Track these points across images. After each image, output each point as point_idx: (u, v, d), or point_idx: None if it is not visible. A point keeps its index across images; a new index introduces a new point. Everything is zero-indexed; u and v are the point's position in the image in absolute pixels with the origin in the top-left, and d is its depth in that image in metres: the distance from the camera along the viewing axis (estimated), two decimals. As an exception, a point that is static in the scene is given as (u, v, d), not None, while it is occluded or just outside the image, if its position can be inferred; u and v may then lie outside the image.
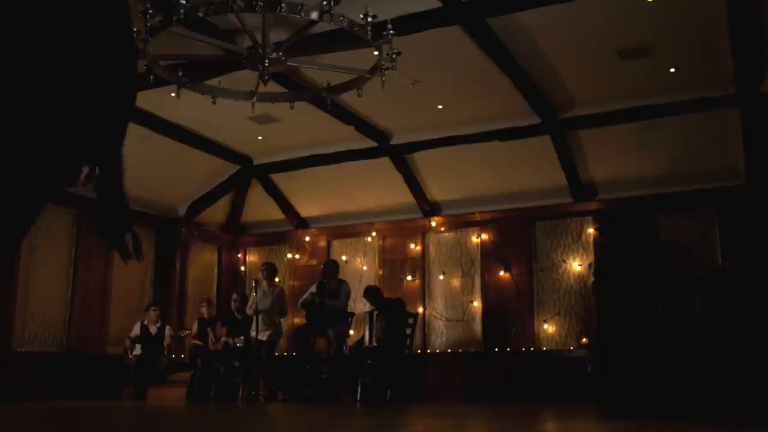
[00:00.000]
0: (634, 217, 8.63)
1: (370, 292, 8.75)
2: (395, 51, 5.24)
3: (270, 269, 9.08)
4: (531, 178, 8.95)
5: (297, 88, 6.94)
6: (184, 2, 4.53)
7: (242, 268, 10.82)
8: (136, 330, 9.12)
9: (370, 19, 4.94)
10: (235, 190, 10.28)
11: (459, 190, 9.47)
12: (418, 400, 8.68)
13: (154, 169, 9.10)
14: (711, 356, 7.11)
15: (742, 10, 5.71)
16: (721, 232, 8.22)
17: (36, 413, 6.09)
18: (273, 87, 6.32)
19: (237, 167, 9.79)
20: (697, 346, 7.23)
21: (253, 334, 8.62)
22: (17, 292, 8.32)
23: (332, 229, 10.38)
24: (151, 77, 5.33)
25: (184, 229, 10.18)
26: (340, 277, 9.08)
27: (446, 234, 9.73)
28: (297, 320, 9.91)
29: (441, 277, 9.58)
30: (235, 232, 10.83)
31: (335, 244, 10.39)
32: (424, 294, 9.60)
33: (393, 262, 9.88)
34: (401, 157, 9.03)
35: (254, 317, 8.68)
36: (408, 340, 8.63)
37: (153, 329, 9.13)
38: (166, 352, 9.21)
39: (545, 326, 8.87)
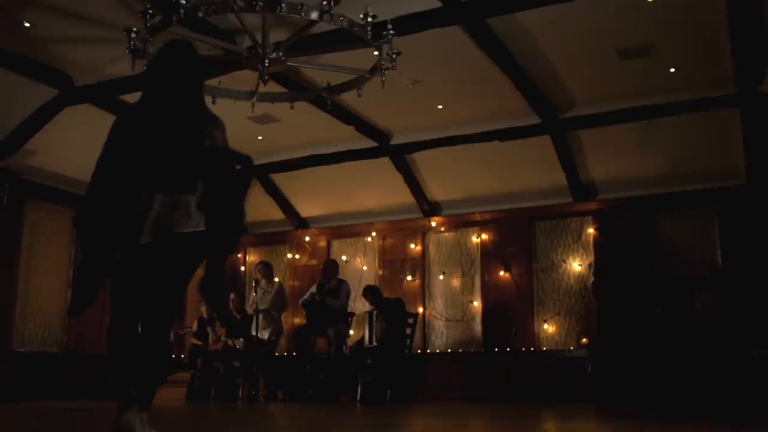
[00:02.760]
0: (634, 217, 8.62)
1: (370, 292, 8.76)
2: (395, 51, 5.23)
3: (266, 268, 9.12)
4: (531, 178, 8.94)
5: (297, 88, 6.94)
6: (184, 2, 4.53)
7: (242, 268, 10.81)
8: (136, 330, 9.11)
9: (370, 19, 4.93)
10: (235, 190, 10.26)
11: (459, 190, 9.46)
12: (418, 400, 8.68)
13: (154, 169, 9.10)
14: (711, 356, 7.11)
15: (742, 10, 5.71)
16: (721, 232, 8.21)
17: (36, 413, 6.09)
18: (273, 87, 6.31)
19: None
20: (697, 346, 7.23)
21: (254, 333, 8.63)
22: (17, 292, 8.33)
23: (332, 229, 10.38)
24: (151, 77, 5.32)
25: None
26: (340, 277, 9.10)
27: (446, 234, 9.73)
28: (297, 320, 9.92)
29: (441, 277, 9.58)
30: (235, 232, 10.81)
31: (335, 244, 10.39)
32: (424, 294, 9.60)
33: (393, 262, 9.88)
34: (401, 157, 9.02)
35: (254, 316, 8.69)
36: (408, 340, 8.63)
37: (152, 329, 9.12)
38: (166, 352, 9.20)
39: (545, 326, 8.87)
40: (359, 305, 9.33)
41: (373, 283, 9.56)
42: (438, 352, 9.34)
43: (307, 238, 10.42)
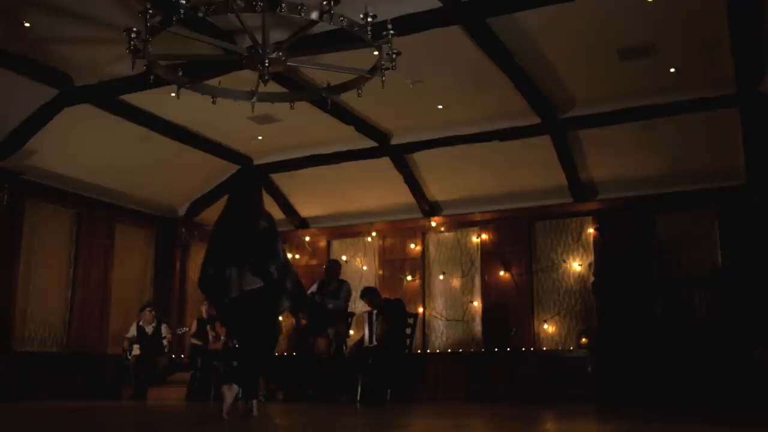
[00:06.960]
0: (634, 217, 8.63)
1: (367, 293, 8.74)
2: (395, 51, 5.23)
3: None
4: (531, 178, 8.95)
5: (297, 88, 6.94)
6: (184, 2, 4.52)
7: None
8: (133, 331, 9.12)
9: (370, 19, 4.93)
10: (235, 190, 10.27)
11: (459, 190, 9.47)
12: (418, 400, 8.68)
13: (154, 169, 9.11)
14: (711, 356, 7.10)
15: (742, 10, 5.71)
16: (721, 232, 8.22)
17: (36, 413, 6.08)
18: (273, 87, 6.31)
19: (237, 167, 9.78)
20: (697, 346, 7.23)
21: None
22: (17, 292, 8.32)
23: (332, 229, 10.38)
24: (151, 77, 5.33)
25: (183, 229, 10.19)
26: (341, 277, 9.09)
27: (446, 234, 9.73)
28: (297, 320, 9.92)
29: (441, 277, 9.58)
30: (235, 232, 10.80)
31: (335, 244, 10.39)
32: (424, 294, 9.60)
33: (393, 262, 9.88)
34: (401, 157, 9.02)
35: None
36: (408, 340, 8.62)
37: (149, 329, 9.12)
38: (167, 351, 9.20)
39: (545, 326, 8.87)
40: (359, 305, 9.32)
41: (373, 283, 9.57)
42: (438, 352, 9.34)
43: (307, 238, 10.42)
